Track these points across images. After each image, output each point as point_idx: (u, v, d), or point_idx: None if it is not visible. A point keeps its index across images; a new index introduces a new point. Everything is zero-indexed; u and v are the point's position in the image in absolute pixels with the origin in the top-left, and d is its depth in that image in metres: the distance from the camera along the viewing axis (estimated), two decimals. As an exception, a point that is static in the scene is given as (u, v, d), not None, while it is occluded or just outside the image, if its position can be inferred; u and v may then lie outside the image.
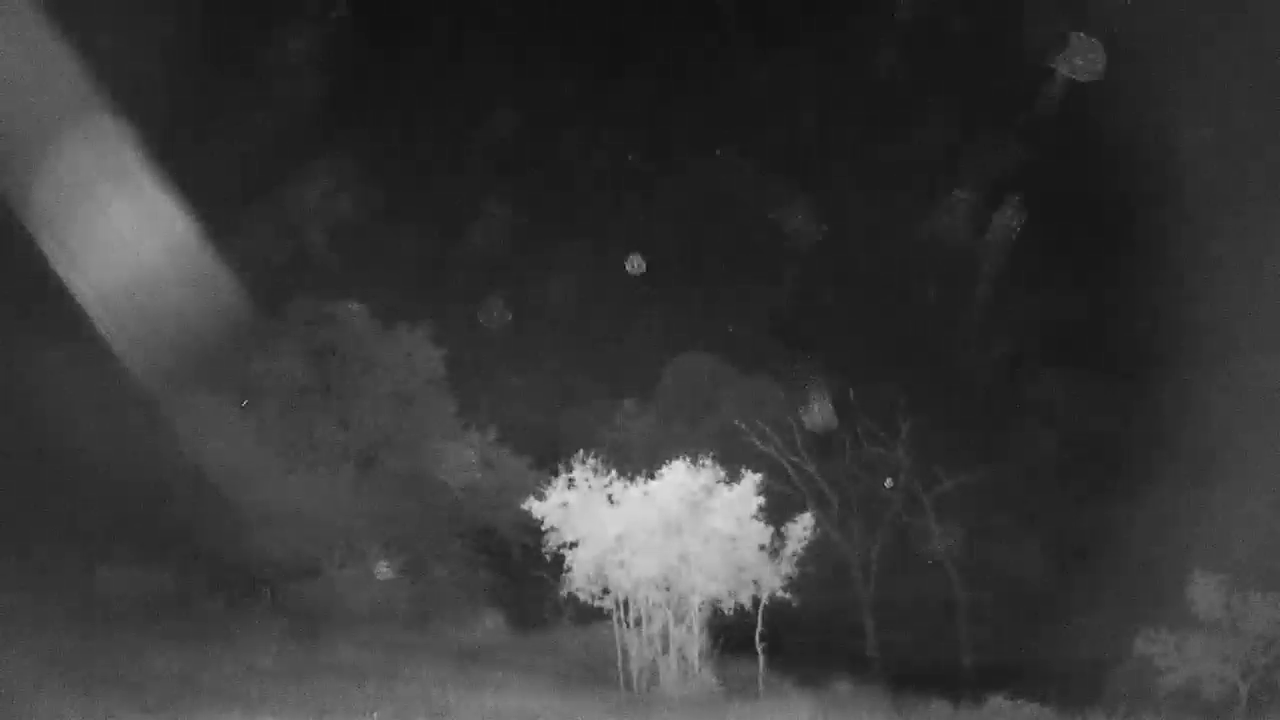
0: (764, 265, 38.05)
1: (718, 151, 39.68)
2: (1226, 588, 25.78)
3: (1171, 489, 31.45)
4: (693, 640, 27.37)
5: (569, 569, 27.27)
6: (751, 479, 27.41)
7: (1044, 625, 31.49)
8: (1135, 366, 35.19)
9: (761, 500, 27.34)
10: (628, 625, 27.48)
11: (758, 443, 34.31)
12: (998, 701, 25.85)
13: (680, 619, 27.39)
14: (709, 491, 27.35)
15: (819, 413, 35.80)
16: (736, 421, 34.29)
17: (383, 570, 31.76)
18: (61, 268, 29.37)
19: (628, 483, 27.49)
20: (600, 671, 27.51)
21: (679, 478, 27.29)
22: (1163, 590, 27.11)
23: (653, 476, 27.45)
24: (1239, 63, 33.28)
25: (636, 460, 28.25)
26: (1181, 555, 28.08)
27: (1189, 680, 25.66)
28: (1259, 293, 34.66)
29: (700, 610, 27.39)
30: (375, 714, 20.16)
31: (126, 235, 29.93)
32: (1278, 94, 32.32)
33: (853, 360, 36.15)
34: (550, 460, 28.43)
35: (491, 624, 31.67)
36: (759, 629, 27.53)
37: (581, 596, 27.41)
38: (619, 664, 27.30)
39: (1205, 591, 25.88)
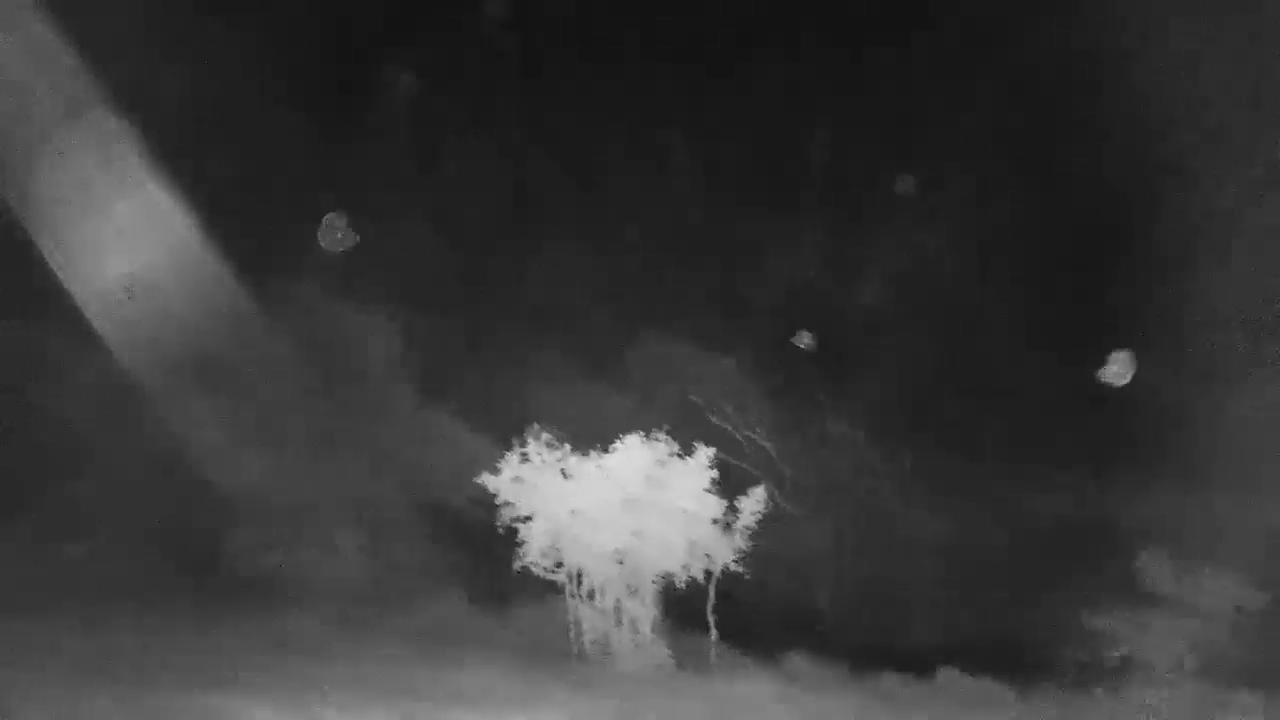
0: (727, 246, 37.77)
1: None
2: (1176, 564, 26.00)
3: (1125, 469, 31.63)
4: (646, 613, 27.48)
5: (523, 543, 27.25)
6: (705, 453, 27.41)
7: (998, 601, 31.62)
8: (1090, 347, 35.29)
9: (715, 474, 27.38)
10: (581, 599, 27.51)
11: (713, 417, 34.32)
12: (950, 674, 26.00)
13: (633, 592, 27.49)
14: (663, 465, 27.42)
15: None
16: (692, 396, 34.40)
17: (342, 548, 31.68)
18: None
19: (582, 457, 27.48)
20: (554, 645, 27.52)
21: (633, 452, 27.35)
22: (1114, 567, 27.29)
23: (607, 451, 27.44)
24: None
25: (591, 435, 28.21)
26: (1133, 533, 28.29)
27: (1138, 654, 25.87)
28: (1217, 275, 34.83)
29: (653, 584, 27.48)
30: (336, 693, 20.09)
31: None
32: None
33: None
34: (506, 435, 28.40)
35: (450, 600, 31.62)
36: (711, 602, 27.61)
37: (535, 571, 27.39)
38: (572, 637, 27.27)
39: (1155, 567, 26.10)
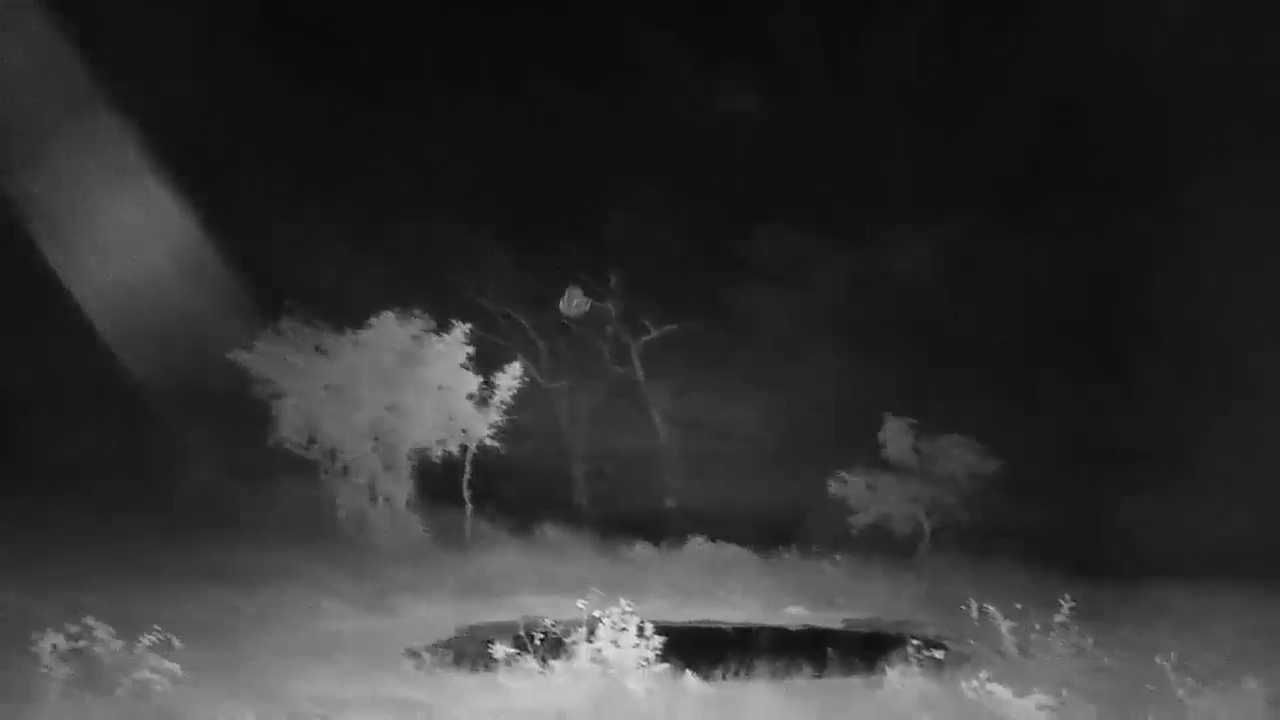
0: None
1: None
2: (915, 432, 26.76)
3: (865, 341, 32.43)
4: (401, 489, 27.52)
5: (277, 420, 27.03)
6: (461, 329, 27.40)
7: (745, 470, 32.29)
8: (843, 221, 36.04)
9: (471, 350, 27.41)
10: (336, 475, 27.45)
11: (469, 292, 34.26)
12: (698, 543, 26.48)
13: (389, 468, 27.48)
14: (419, 341, 27.33)
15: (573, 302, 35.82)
16: (449, 273, 34.24)
17: (90, 429, 31.07)
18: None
19: (336, 333, 27.29)
20: (309, 521, 27.41)
21: (389, 328, 27.21)
22: (857, 436, 28.00)
23: (362, 327, 27.28)
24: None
25: (346, 311, 28.00)
26: (876, 402, 29.04)
27: (879, 519, 26.69)
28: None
29: (409, 459, 27.53)
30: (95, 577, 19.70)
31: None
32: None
33: (568, 211, 36.12)
34: (260, 311, 28.04)
35: (202, 476, 31.30)
36: (467, 477, 27.79)
37: (289, 447, 27.22)
38: (327, 513, 27.21)
39: (895, 436, 26.81)
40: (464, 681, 14.14)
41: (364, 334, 27.32)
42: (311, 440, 27.25)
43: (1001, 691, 12.22)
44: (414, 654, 16.12)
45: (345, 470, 27.46)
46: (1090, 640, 13.71)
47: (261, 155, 32.33)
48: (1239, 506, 32.24)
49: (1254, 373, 34.58)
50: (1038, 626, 13.99)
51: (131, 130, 27.63)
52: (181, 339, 29.03)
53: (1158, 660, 12.25)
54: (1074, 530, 30.63)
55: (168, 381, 31.18)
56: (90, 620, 12.17)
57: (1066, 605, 13.68)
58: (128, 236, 29.79)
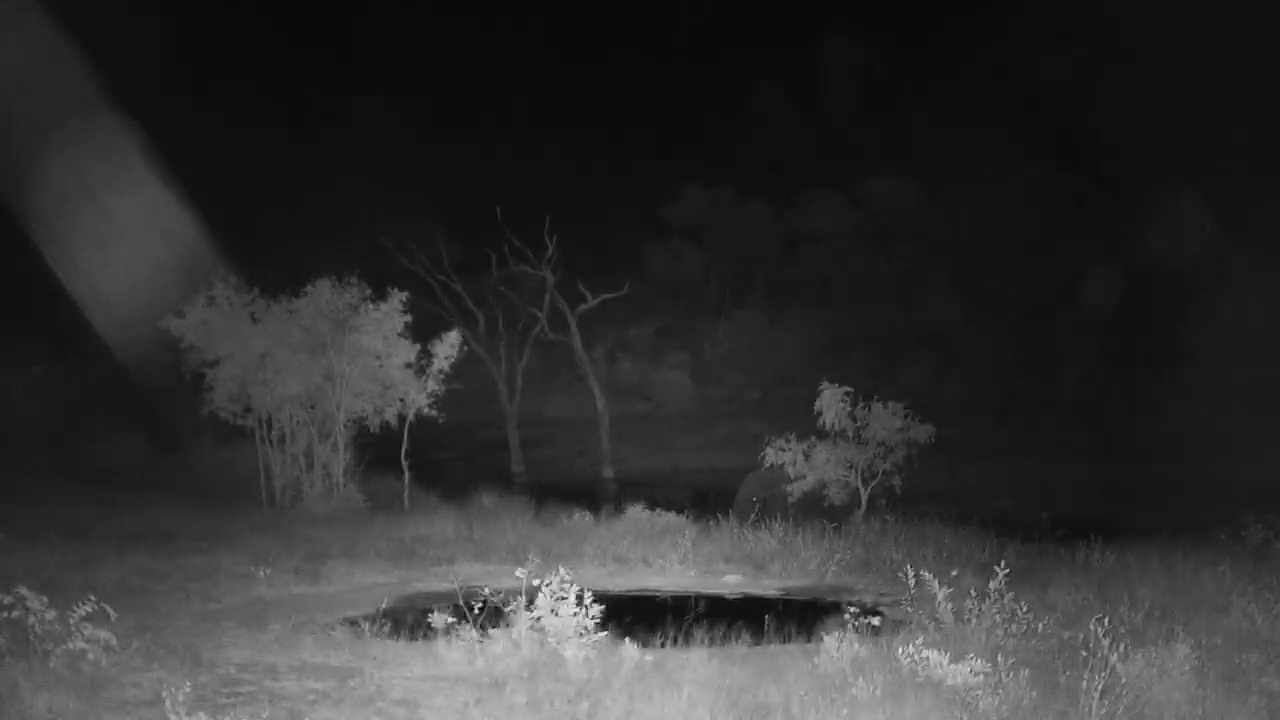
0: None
1: None
2: (851, 398, 26.85)
3: (797, 304, 32.62)
4: (338, 458, 27.41)
5: (210, 388, 26.85)
6: (398, 296, 27.26)
7: (682, 439, 32.42)
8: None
9: (408, 318, 27.26)
10: (271, 443, 27.28)
11: (405, 261, 34.11)
12: (636, 511, 26.44)
13: (325, 437, 27.35)
14: (355, 309, 27.18)
15: None
16: (383, 239, 34.04)
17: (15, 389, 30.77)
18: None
19: (271, 301, 27.09)
20: (243, 489, 27.29)
21: (324, 295, 27.06)
22: (793, 404, 28.07)
23: (297, 294, 27.10)
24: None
25: (281, 278, 27.81)
26: (811, 368, 29.19)
27: (815, 487, 26.76)
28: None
29: (346, 428, 27.40)
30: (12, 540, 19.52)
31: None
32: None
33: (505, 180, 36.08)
34: (193, 278, 27.78)
35: (129, 443, 31.06)
36: (404, 446, 27.69)
37: (223, 415, 27.06)
38: (261, 482, 27.07)
39: (832, 403, 26.88)
40: (400, 649, 14.12)
41: (299, 301, 27.12)
42: (247, 409, 27.05)
43: (937, 657, 12.36)
44: (350, 622, 16.06)
45: (280, 439, 27.25)
46: (1024, 605, 13.84)
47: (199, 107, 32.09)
48: (1161, 467, 32.92)
49: (1179, 338, 35.13)
50: (973, 592, 14.11)
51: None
52: (114, 304, 28.74)
53: (1090, 626, 12.40)
54: (1005, 494, 31.12)
55: (99, 346, 30.93)
56: (23, 590, 12.10)
57: (1001, 572, 13.80)
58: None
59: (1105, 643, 12.18)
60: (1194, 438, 35.73)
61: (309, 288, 27.11)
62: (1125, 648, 12.46)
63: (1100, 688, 11.43)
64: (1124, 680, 11.95)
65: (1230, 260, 42.74)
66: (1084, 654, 12.17)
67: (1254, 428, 35.55)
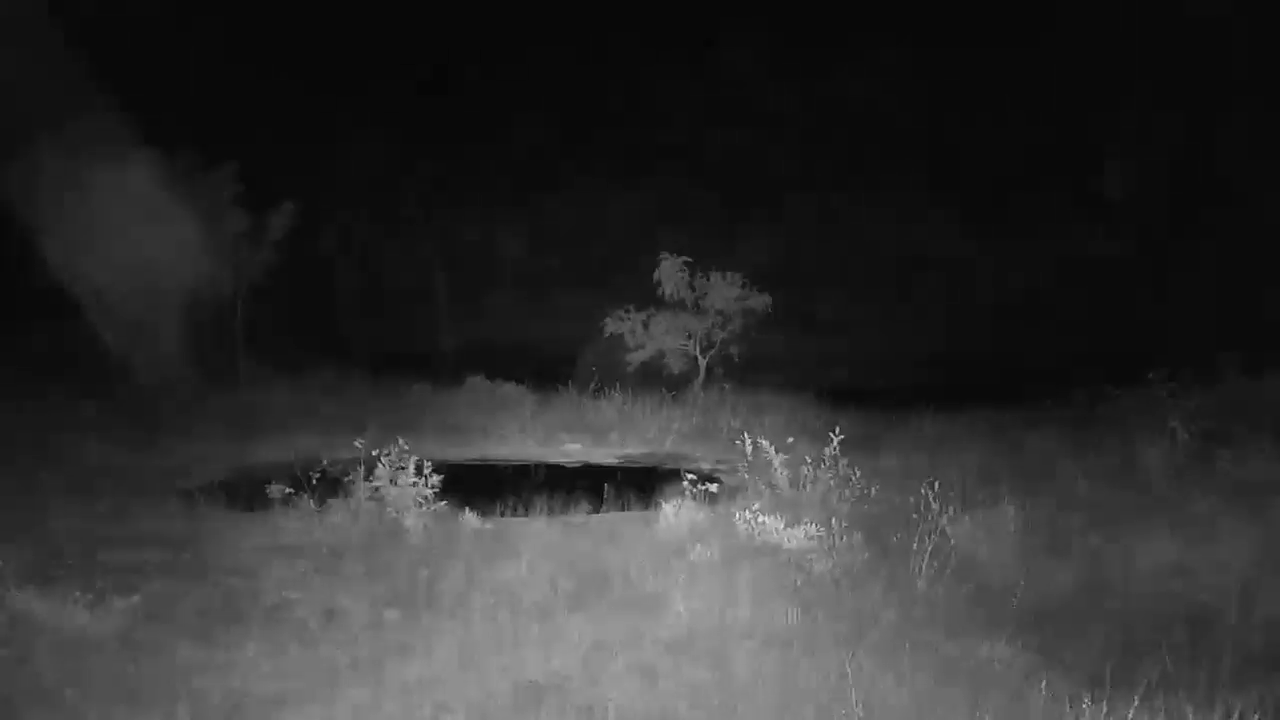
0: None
1: None
2: (690, 269, 26.95)
3: (635, 169, 32.57)
4: (170, 331, 26.79)
5: (37, 256, 25.98)
6: (234, 165, 26.62)
7: (522, 308, 32.35)
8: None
9: (241, 187, 26.65)
10: (101, 315, 26.56)
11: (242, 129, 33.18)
12: (476, 381, 26.42)
13: (156, 307, 26.68)
14: (190, 178, 26.44)
15: None
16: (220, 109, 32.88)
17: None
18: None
19: (106, 170, 26.20)
20: (73, 361, 26.58)
21: (159, 167, 26.25)
22: (633, 273, 28.08)
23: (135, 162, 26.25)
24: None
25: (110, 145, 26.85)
26: (650, 237, 29.22)
27: (654, 356, 26.92)
28: None
29: (178, 301, 26.75)
30: None
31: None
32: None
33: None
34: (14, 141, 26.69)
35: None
36: (239, 318, 27.21)
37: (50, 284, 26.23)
38: (94, 353, 26.37)
39: (671, 273, 26.96)
40: (237, 520, 14.01)
41: (134, 169, 26.23)
42: (74, 278, 26.22)
43: (773, 523, 12.63)
44: (184, 493, 15.86)
45: (110, 310, 26.51)
46: (858, 471, 14.13)
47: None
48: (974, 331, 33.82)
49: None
50: (808, 459, 14.36)
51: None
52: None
53: (921, 490, 12.74)
54: (838, 361, 31.70)
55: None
56: None
57: (836, 438, 14.04)
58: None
59: (935, 506, 12.55)
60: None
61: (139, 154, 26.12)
62: (954, 510, 12.87)
63: (930, 549, 11.79)
64: (953, 541, 12.35)
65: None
66: (915, 517, 12.50)
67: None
